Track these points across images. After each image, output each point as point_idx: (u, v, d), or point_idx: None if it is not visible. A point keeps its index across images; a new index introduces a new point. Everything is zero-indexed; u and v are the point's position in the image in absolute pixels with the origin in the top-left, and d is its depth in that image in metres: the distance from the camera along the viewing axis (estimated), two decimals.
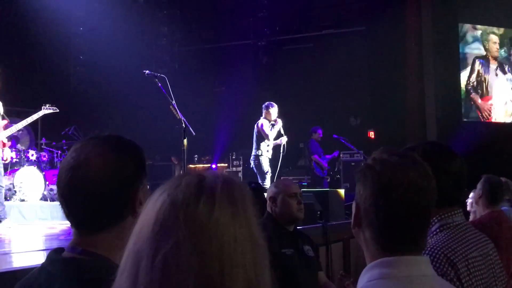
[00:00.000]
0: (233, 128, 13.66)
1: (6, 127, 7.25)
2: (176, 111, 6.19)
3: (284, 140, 8.77)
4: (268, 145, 8.76)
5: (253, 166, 8.91)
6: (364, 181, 1.40)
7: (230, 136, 14.08)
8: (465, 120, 13.42)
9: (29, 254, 4.63)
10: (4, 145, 7.08)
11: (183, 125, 6.21)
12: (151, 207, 0.92)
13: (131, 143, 1.47)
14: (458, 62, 13.49)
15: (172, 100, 6.22)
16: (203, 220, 0.88)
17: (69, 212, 1.38)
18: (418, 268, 1.33)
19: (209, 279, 0.85)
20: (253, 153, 8.89)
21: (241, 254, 0.89)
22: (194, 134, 6.30)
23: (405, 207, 1.33)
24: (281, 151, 8.81)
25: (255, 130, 8.86)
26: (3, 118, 7.23)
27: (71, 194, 1.36)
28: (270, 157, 8.83)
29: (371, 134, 13.68)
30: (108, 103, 13.14)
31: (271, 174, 8.78)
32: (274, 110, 8.82)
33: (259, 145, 8.78)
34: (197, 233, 0.87)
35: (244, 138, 14.36)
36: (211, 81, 14.94)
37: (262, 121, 8.81)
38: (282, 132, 8.84)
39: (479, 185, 4.71)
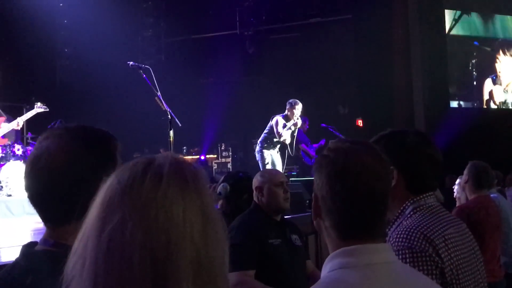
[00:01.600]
0: (221, 119, 13.64)
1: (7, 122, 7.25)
2: (162, 102, 6.13)
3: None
4: (275, 141, 8.57)
5: (257, 155, 8.73)
6: (319, 170, 1.41)
7: (218, 127, 14.05)
8: (452, 106, 13.48)
9: (17, 249, 4.60)
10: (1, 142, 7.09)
11: (169, 116, 6.16)
12: (100, 192, 0.93)
13: (99, 133, 1.43)
14: (445, 48, 13.51)
15: (157, 91, 6.15)
16: (149, 195, 0.88)
17: (34, 205, 1.36)
18: (379, 256, 1.33)
19: (154, 252, 0.85)
20: (258, 143, 8.73)
21: (189, 227, 0.88)
22: (180, 125, 6.25)
23: (360, 191, 1.34)
24: (290, 152, 8.71)
25: (269, 123, 8.65)
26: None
27: (33, 187, 1.35)
28: (276, 152, 8.66)
29: (359, 123, 13.69)
30: (94, 96, 13.05)
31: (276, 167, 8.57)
32: (298, 108, 8.49)
33: (267, 138, 8.60)
34: (142, 207, 0.87)
35: (233, 129, 14.39)
36: (198, 72, 14.85)
37: (278, 118, 8.52)
38: (295, 134, 8.66)
39: (465, 171, 4.74)
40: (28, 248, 1.36)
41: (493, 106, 13.75)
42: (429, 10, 13.38)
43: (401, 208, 1.95)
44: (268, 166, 8.53)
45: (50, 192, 1.33)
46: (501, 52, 13.90)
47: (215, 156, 14.21)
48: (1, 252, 4.49)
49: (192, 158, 14.15)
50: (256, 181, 3.59)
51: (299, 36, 14.48)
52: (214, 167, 13.87)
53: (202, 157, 14.17)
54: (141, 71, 6.23)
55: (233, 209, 3.94)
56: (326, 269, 1.36)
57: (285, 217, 3.79)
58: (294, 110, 8.47)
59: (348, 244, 1.34)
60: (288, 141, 8.59)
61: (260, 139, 8.75)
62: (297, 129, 8.65)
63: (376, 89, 12.82)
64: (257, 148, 8.76)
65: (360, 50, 13.58)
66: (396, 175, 1.92)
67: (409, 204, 1.95)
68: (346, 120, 13.77)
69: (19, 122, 7.35)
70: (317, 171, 1.42)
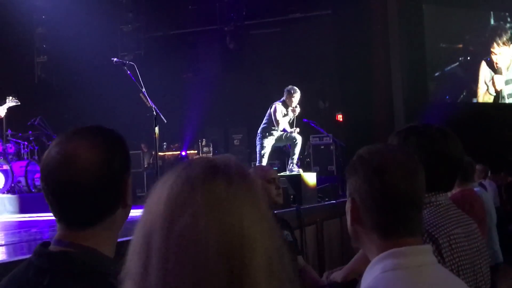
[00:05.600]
0: (202, 115, 13.59)
1: None
2: (146, 98, 6.10)
3: (295, 131, 8.49)
4: (275, 130, 8.41)
5: (257, 144, 8.60)
6: (355, 173, 1.42)
7: (199, 122, 14.01)
8: (432, 101, 13.63)
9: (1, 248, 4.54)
10: None
11: (154, 112, 6.13)
12: (160, 190, 0.90)
13: (115, 133, 1.43)
14: (424, 43, 13.65)
15: (142, 87, 6.12)
16: (221, 193, 0.87)
17: (60, 209, 1.34)
18: (426, 257, 1.37)
19: (230, 251, 0.84)
20: (259, 131, 8.57)
21: (260, 229, 0.87)
22: (165, 121, 6.22)
23: (400, 187, 1.35)
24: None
25: (269, 110, 8.50)
26: None
27: (62, 192, 1.32)
28: (275, 140, 8.51)
29: (339, 117, 13.77)
30: (74, 92, 12.94)
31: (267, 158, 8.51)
32: (296, 96, 8.37)
33: (266, 128, 8.46)
34: (216, 205, 0.86)
35: (214, 124, 14.35)
36: (178, 67, 14.78)
37: (277, 105, 8.37)
38: (293, 122, 8.55)
39: None
40: (43, 248, 1.34)
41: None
42: (408, 5, 13.50)
43: None
44: (265, 156, 8.44)
45: (82, 197, 1.31)
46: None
47: (196, 152, 14.16)
48: None
49: (172, 154, 14.10)
50: None
51: (279, 31, 14.48)
52: None
53: (183, 153, 14.11)
54: (125, 68, 6.19)
55: None
56: (376, 270, 1.36)
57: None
58: (292, 98, 8.34)
59: (390, 244, 1.35)
60: (286, 128, 8.47)
61: (259, 129, 8.59)
62: (294, 117, 8.52)
63: (356, 83, 12.89)
64: (257, 138, 8.61)
65: (340, 45, 13.65)
66: None
67: None
68: (326, 115, 13.82)
69: None
70: (351, 175, 1.43)
